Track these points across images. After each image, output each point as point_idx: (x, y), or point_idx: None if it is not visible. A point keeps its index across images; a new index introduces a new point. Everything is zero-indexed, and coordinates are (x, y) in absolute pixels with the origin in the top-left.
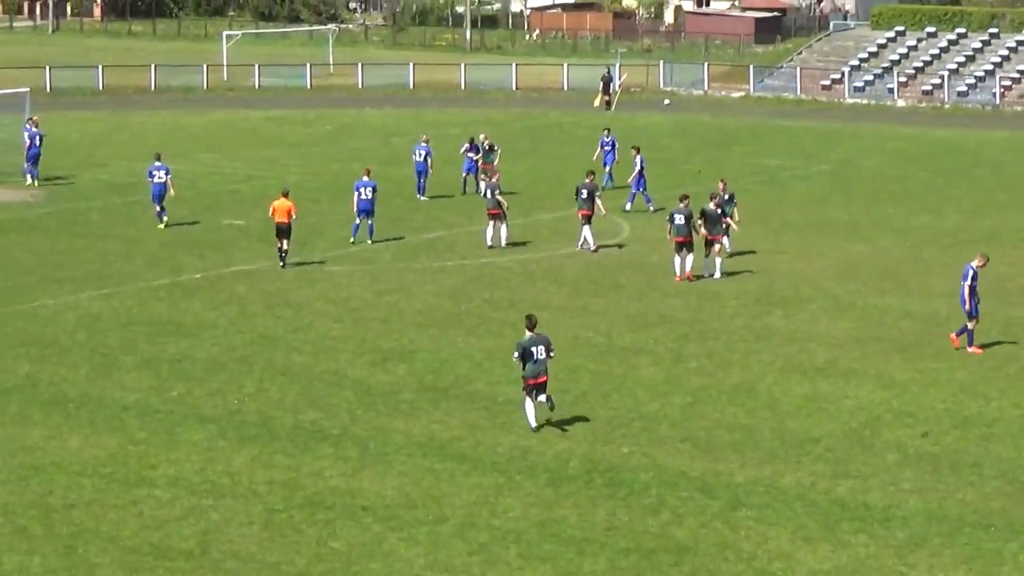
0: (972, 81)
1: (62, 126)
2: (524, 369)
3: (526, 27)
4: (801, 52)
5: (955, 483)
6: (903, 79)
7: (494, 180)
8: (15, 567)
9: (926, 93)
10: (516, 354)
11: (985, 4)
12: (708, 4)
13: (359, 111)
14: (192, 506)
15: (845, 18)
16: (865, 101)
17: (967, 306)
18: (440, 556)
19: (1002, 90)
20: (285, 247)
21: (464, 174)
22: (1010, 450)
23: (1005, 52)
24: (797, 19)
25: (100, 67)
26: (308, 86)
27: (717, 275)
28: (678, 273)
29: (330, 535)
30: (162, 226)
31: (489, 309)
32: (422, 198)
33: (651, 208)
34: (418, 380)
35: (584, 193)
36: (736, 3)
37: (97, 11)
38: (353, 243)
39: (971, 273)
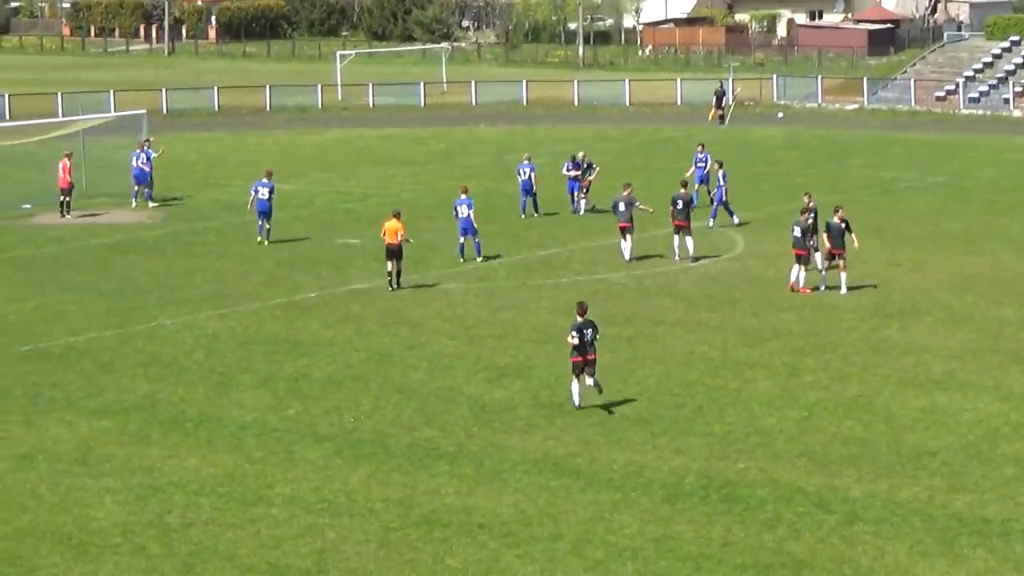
0: None
1: (179, 147)
2: (574, 351)
3: (639, 42)
4: (915, 64)
5: None
6: (1019, 89)
7: (626, 194)
8: None
9: None
10: (573, 333)
11: None
12: (821, 17)
13: (473, 128)
14: (309, 525)
15: (959, 29)
16: (980, 112)
17: None
18: (556, 573)
19: None
20: (397, 269)
21: (569, 192)
22: None
23: None
24: (911, 30)
25: (216, 88)
26: (422, 104)
27: (843, 290)
28: (791, 281)
29: (446, 553)
30: (264, 242)
31: (604, 325)
32: (536, 215)
33: (735, 221)
34: (533, 396)
35: (680, 204)
36: (849, 16)
37: (212, 33)
38: (463, 262)
39: None
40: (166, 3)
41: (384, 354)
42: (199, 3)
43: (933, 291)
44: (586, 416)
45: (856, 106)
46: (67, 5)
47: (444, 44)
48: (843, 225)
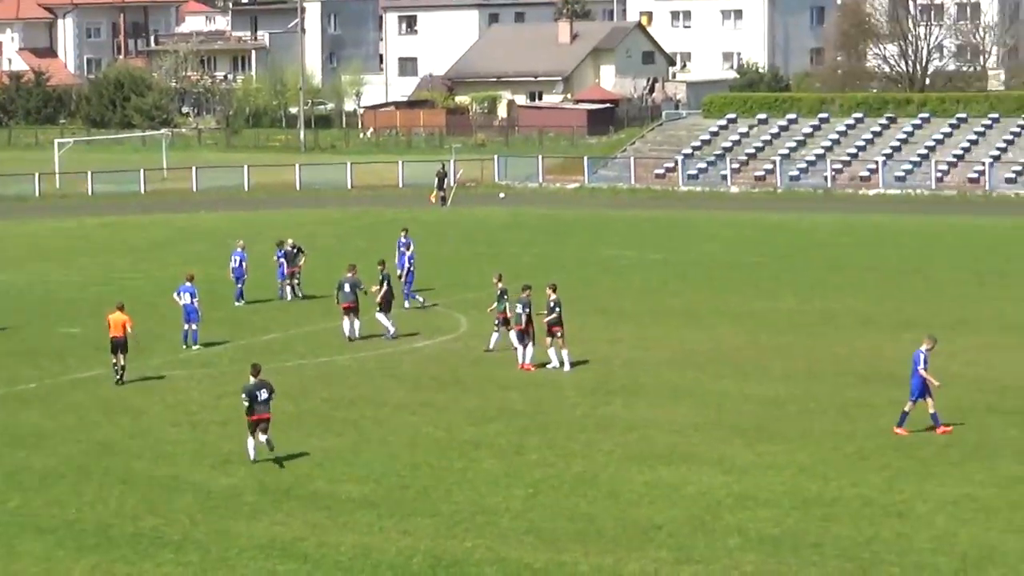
0: (804, 165)
1: None
2: (248, 410)
3: (360, 125)
4: (634, 142)
5: (797, 564)
6: (736, 165)
7: (350, 275)
8: None
9: (759, 178)
10: (244, 396)
11: (813, 90)
12: (541, 98)
13: (194, 215)
14: None
15: (677, 107)
16: (699, 188)
17: (912, 388)
18: None
19: (833, 173)
20: (122, 363)
21: (279, 280)
22: (850, 529)
23: (835, 136)
24: (629, 110)
25: None
26: (142, 191)
27: (567, 367)
28: (520, 362)
29: None
30: None
31: (328, 408)
32: (239, 304)
33: (421, 302)
34: (259, 482)
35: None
36: (568, 96)
37: None
38: (186, 348)
39: (923, 357)
40: None
41: (106, 444)
42: None
43: (655, 366)
44: (312, 500)
45: (577, 185)
46: None
47: (164, 130)
48: (557, 302)
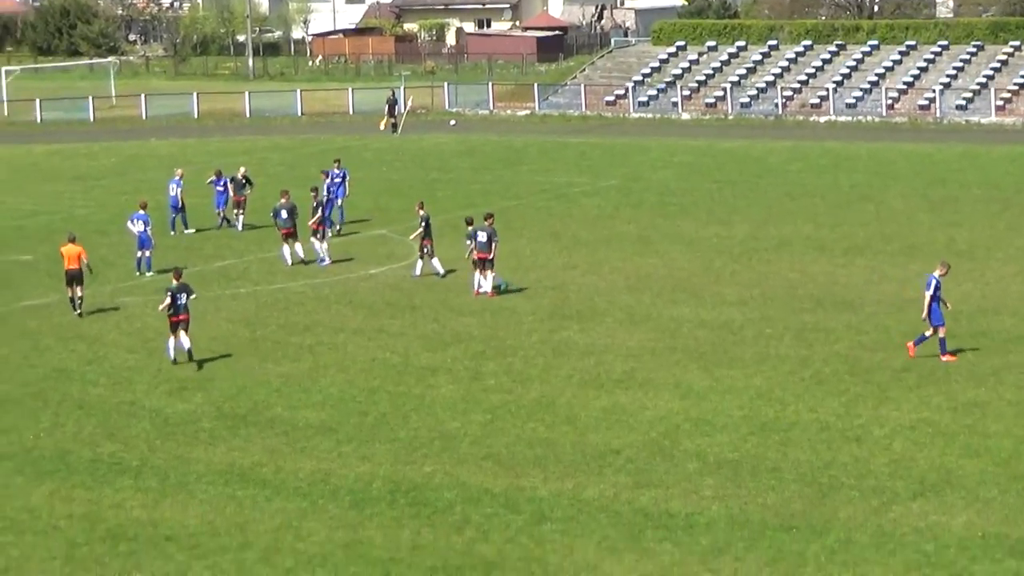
0: (754, 92)
1: None
2: (170, 310)
3: (309, 53)
4: (584, 70)
5: (755, 488)
6: (686, 93)
7: (284, 201)
8: None
9: (709, 106)
10: (167, 297)
11: (762, 17)
12: (489, 25)
13: (144, 142)
14: None
15: (626, 35)
16: (650, 116)
17: (929, 316)
18: None
19: (783, 100)
20: (79, 294)
21: (217, 209)
22: (808, 453)
23: (785, 63)
24: (579, 37)
25: None
26: (91, 119)
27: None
28: (476, 289)
29: (134, 566)
30: None
31: (285, 334)
32: (187, 231)
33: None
34: (216, 408)
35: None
36: (517, 23)
37: None
38: (139, 275)
39: (934, 283)
40: None
41: (63, 370)
42: None
43: (610, 292)
44: (270, 426)
45: (528, 112)
46: None
47: (111, 58)
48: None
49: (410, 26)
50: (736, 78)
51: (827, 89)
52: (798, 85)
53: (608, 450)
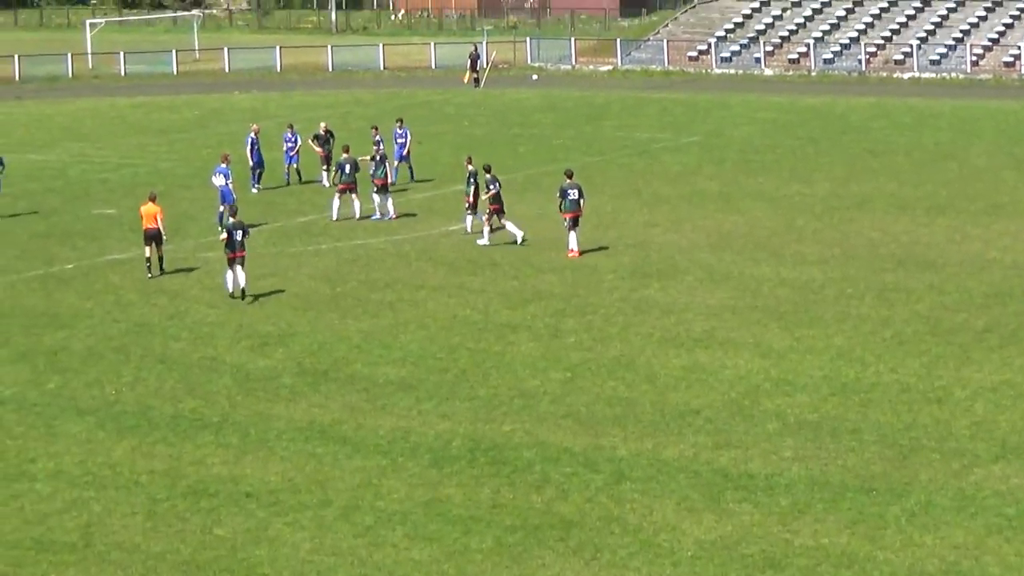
0: (837, 48)
1: None
2: (227, 247)
3: (391, 7)
4: (667, 25)
5: (836, 449)
6: (769, 49)
7: (346, 156)
8: None
9: (792, 62)
10: (224, 233)
11: None
12: None
13: (227, 96)
14: (74, 499)
15: None
16: (732, 71)
17: None
18: (326, 540)
19: (867, 56)
20: (158, 254)
21: (286, 164)
22: (888, 415)
23: (869, 19)
24: None
25: None
26: (175, 72)
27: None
28: (571, 248)
29: (214, 523)
30: None
31: (365, 290)
32: (255, 190)
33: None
34: (297, 364)
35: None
36: None
37: None
38: (221, 230)
39: None
40: None
41: (144, 325)
42: None
43: (691, 250)
44: (350, 383)
45: (610, 67)
46: None
47: (195, 11)
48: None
49: None
50: (819, 34)
51: (911, 45)
52: (882, 41)
53: (688, 410)
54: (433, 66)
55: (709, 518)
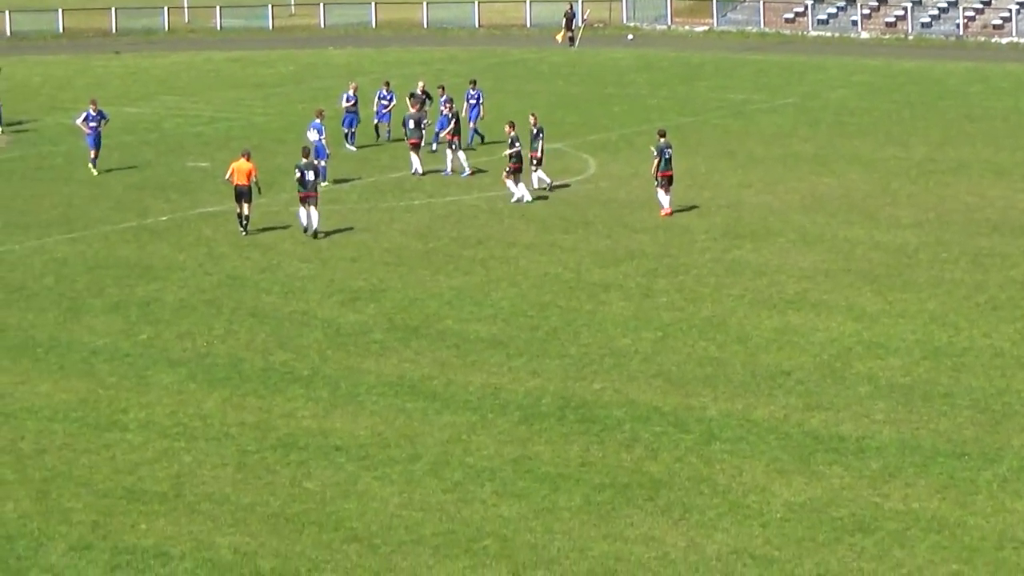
0: (935, 12)
1: (23, 71)
2: (299, 186)
3: None
4: None
5: (928, 413)
6: (866, 11)
7: (414, 111)
8: None
9: (889, 25)
10: (297, 173)
11: None
12: None
13: (321, 51)
14: (164, 449)
15: None
16: (829, 34)
17: None
18: (415, 495)
19: (965, 21)
20: (246, 212)
21: (376, 120)
22: (981, 380)
23: None
24: None
25: (60, 11)
26: (270, 27)
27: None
28: (665, 207)
29: (304, 475)
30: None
31: (457, 247)
32: (350, 147)
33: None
34: (388, 319)
35: (411, 123)
36: None
37: None
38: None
39: None
40: None
41: (236, 277)
42: None
43: (784, 212)
44: (441, 339)
45: (706, 28)
46: None
47: None
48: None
49: None
50: None
51: (1010, 10)
52: (980, 6)
53: (779, 371)
54: (528, 24)
55: (799, 480)
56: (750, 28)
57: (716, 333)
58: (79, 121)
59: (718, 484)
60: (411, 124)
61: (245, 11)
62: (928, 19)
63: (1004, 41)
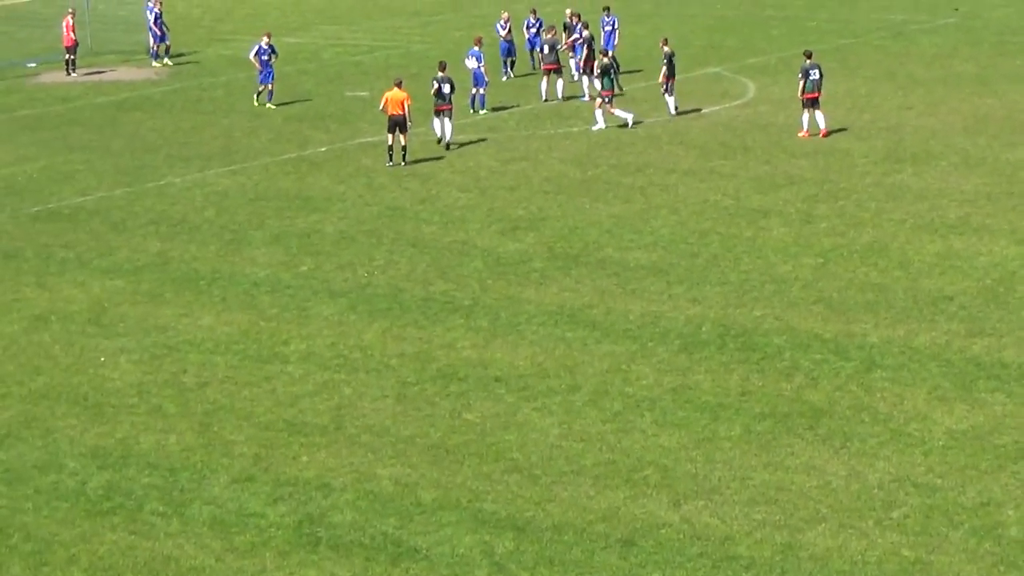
0: None
1: (183, 2)
2: (436, 98)
3: None
4: None
5: None
6: None
7: (549, 36)
8: (151, 446)
9: None
10: (434, 84)
11: None
12: None
13: None
14: (325, 381)
15: None
16: None
17: None
18: (575, 425)
19: None
20: (403, 142)
21: (529, 50)
22: None
23: None
24: None
25: None
26: None
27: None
28: (806, 129)
29: (464, 407)
30: (271, 106)
31: (616, 175)
32: (504, 79)
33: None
34: (547, 248)
35: (546, 48)
36: None
37: None
38: (473, 113)
39: None
40: None
41: (396, 208)
42: None
43: (946, 134)
44: (601, 267)
45: None
46: None
47: None
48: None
49: None
50: None
51: None
52: None
53: (941, 296)
54: None
55: (961, 408)
56: None
57: (877, 259)
58: (252, 55)
59: (879, 412)
60: (545, 49)
61: None
62: None
63: None
